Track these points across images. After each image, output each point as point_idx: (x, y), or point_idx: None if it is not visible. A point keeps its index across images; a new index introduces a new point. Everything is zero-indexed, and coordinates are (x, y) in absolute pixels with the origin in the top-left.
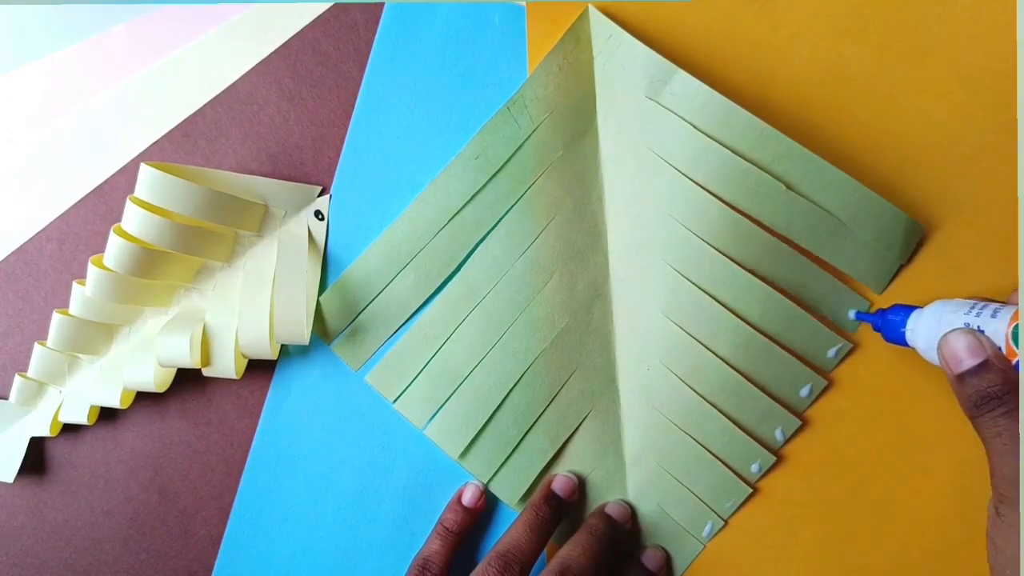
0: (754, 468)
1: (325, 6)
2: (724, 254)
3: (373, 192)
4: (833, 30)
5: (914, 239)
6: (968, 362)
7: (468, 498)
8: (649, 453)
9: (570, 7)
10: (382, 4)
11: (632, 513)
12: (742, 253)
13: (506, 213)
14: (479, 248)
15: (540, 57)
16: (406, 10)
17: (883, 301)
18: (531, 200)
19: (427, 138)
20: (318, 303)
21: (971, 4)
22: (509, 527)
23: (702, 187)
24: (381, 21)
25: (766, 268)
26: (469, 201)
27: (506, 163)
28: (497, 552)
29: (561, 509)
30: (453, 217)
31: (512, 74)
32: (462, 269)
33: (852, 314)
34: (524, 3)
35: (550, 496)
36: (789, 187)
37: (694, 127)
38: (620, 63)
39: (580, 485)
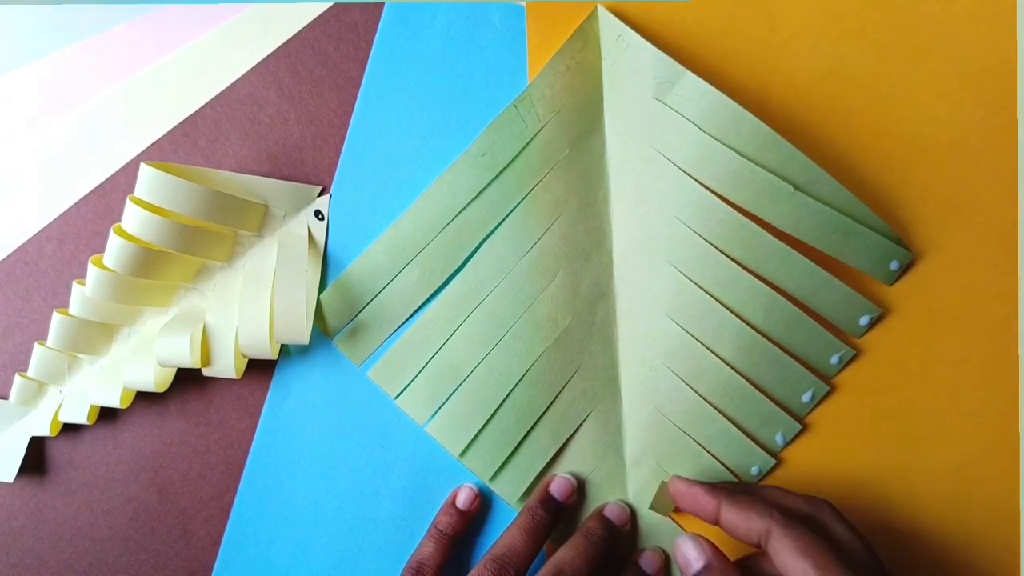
0: (754, 471)
1: (325, 6)
2: (729, 256)
3: (373, 192)
4: (833, 30)
5: (903, 260)
6: (695, 565)
7: (462, 500)
8: (650, 454)
9: (570, 7)
10: (382, 4)
11: (632, 514)
12: (747, 256)
13: (511, 211)
14: (483, 246)
15: (540, 57)
16: (406, 10)
17: (894, 296)
18: (536, 199)
19: (427, 138)
20: (321, 298)
21: (971, 4)
22: (505, 530)
23: (708, 189)
24: (381, 21)
25: (772, 272)
26: (474, 198)
27: (512, 161)
28: (492, 556)
29: (558, 513)
30: (458, 214)
31: (512, 74)
32: (466, 266)
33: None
34: (524, 3)
35: (546, 499)
36: (797, 188)
37: (701, 129)
38: (628, 64)
39: (580, 486)
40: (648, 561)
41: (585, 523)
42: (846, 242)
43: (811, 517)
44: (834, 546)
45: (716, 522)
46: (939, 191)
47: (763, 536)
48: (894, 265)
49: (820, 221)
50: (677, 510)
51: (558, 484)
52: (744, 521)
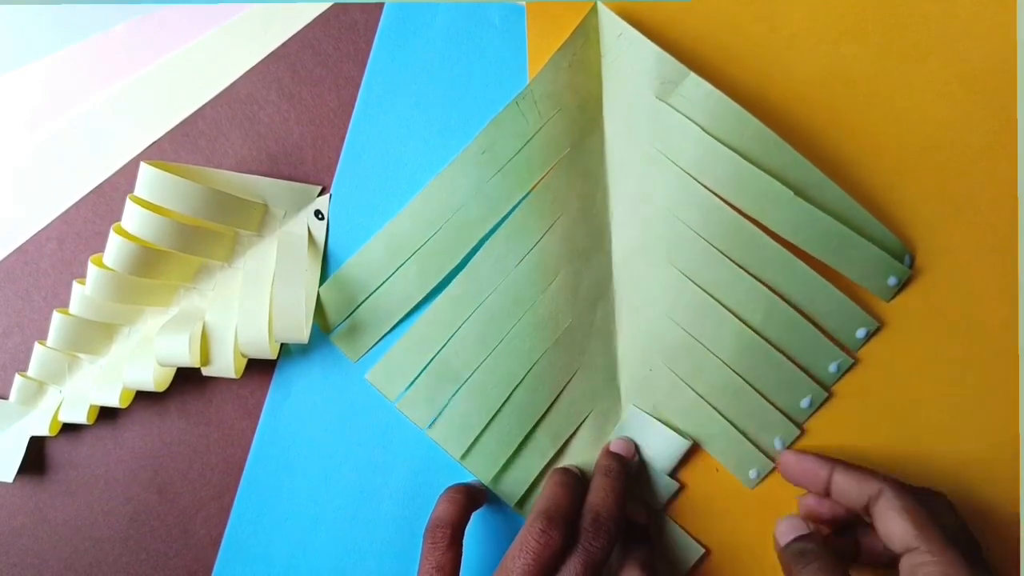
0: (752, 474)
1: (325, 6)
2: (729, 258)
3: (373, 192)
4: (833, 30)
5: (903, 260)
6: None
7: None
8: (647, 452)
9: (570, 7)
10: (382, 4)
11: (636, 447)
12: (747, 259)
13: (512, 210)
14: (484, 245)
15: (540, 57)
16: (406, 10)
17: (891, 310)
18: (538, 198)
19: (427, 138)
20: (320, 291)
21: (971, 4)
22: (543, 488)
23: (710, 190)
24: (381, 21)
25: (770, 276)
26: (474, 196)
27: (512, 159)
28: (538, 511)
29: (585, 472)
30: (457, 211)
31: (512, 74)
32: (467, 266)
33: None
34: (524, 3)
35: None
36: (797, 194)
37: (704, 131)
38: (630, 62)
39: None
40: (619, 446)
41: (599, 463)
42: (843, 253)
43: (923, 497)
44: (938, 519)
45: (825, 489)
46: (939, 191)
47: (874, 497)
48: (892, 280)
49: (818, 229)
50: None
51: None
52: (857, 482)
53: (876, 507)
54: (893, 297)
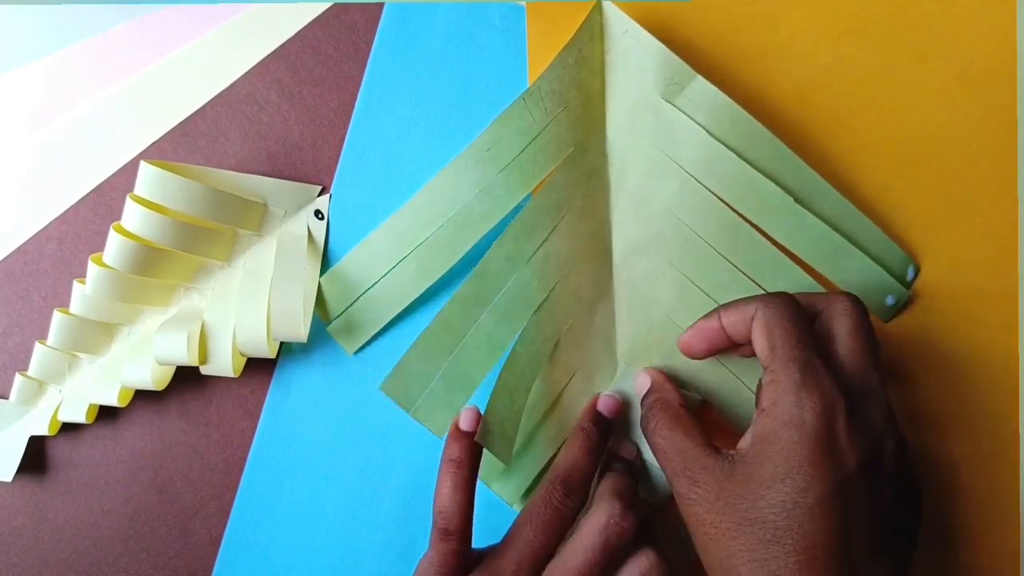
0: None
1: (325, 6)
2: (728, 260)
3: (373, 191)
4: (833, 30)
5: (906, 273)
6: (643, 390)
7: (466, 422)
8: (649, 454)
9: (570, 7)
10: (382, 4)
11: (637, 448)
12: (747, 262)
13: (517, 209)
14: (492, 246)
15: (540, 57)
16: (406, 10)
17: (892, 328)
18: (544, 197)
19: (427, 138)
20: (320, 281)
21: (971, 4)
22: (563, 449)
23: (712, 192)
24: (381, 21)
25: (769, 281)
26: (477, 193)
27: (517, 156)
28: (558, 475)
29: (608, 430)
30: (460, 208)
31: (512, 74)
32: (476, 268)
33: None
34: (524, 3)
35: (598, 418)
36: (798, 201)
37: (710, 134)
38: (636, 61)
39: None
40: (605, 404)
41: (580, 422)
42: (838, 264)
43: (818, 312)
44: (809, 331)
45: (727, 338)
46: (939, 191)
47: (751, 319)
48: (889, 300)
49: (816, 237)
50: None
51: (605, 402)
52: (739, 312)
53: (751, 329)
54: (892, 318)
